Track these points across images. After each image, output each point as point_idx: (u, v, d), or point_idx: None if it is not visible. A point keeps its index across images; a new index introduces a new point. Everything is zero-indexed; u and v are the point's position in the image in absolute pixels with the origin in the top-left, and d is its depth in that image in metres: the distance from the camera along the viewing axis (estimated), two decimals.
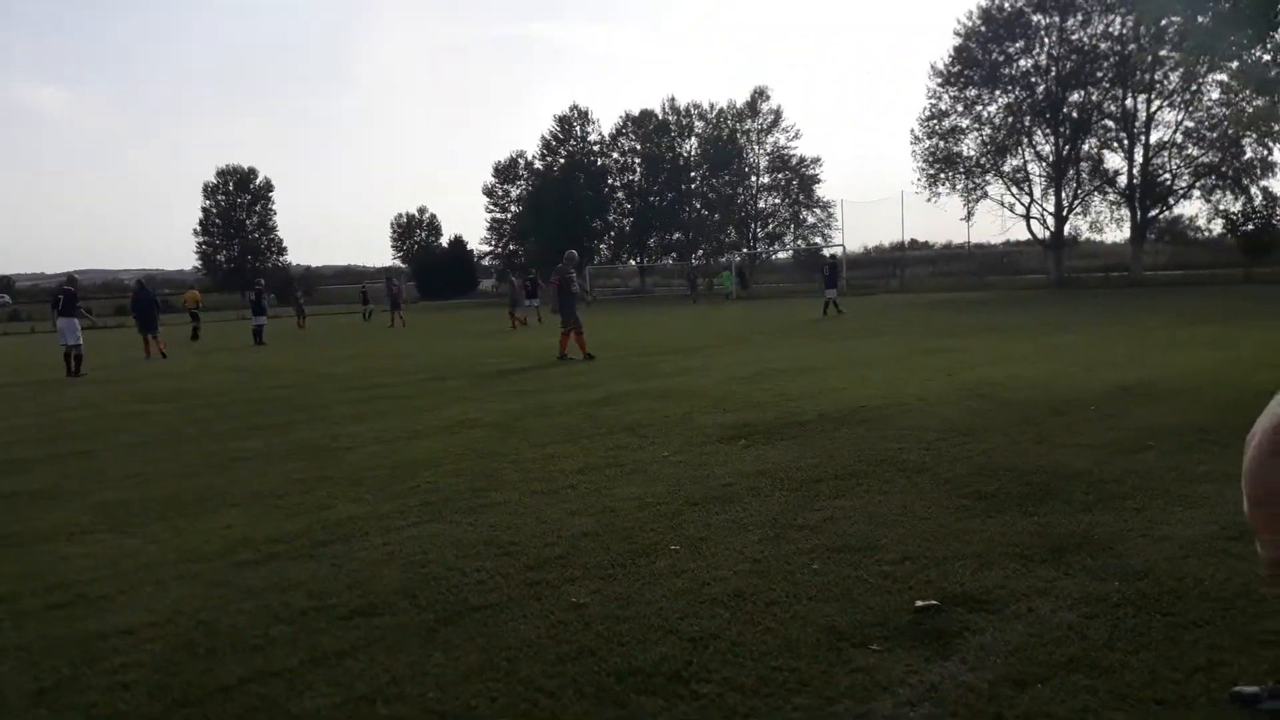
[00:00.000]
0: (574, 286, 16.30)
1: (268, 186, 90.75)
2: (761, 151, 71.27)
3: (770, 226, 72.39)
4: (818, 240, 68.80)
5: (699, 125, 72.87)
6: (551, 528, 5.15)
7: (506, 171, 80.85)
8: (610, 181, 75.15)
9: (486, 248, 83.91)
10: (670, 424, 8.48)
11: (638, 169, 74.74)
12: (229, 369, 17.99)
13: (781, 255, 73.67)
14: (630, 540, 4.83)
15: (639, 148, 74.23)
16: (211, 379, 15.85)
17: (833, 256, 34.44)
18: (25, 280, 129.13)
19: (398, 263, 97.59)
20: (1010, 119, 48.02)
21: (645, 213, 73.44)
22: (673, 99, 73.11)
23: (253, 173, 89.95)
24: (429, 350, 20.98)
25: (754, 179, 71.75)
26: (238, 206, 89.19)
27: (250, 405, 11.61)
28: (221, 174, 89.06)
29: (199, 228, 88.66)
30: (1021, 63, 47.56)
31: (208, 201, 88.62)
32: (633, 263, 79.31)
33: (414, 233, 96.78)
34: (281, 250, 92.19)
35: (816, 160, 69.48)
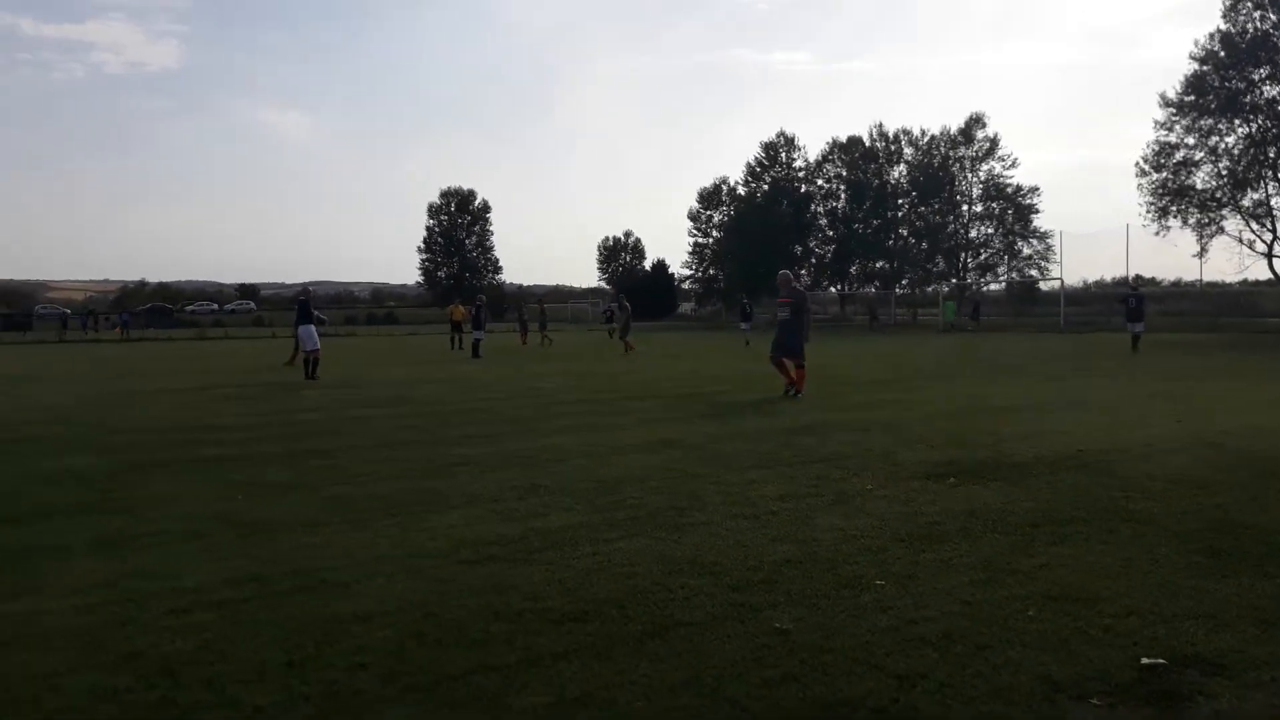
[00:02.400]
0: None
1: (486, 207, 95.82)
2: (975, 179, 68.80)
3: (982, 257, 69.60)
4: (1033, 273, 65.60)
5: (908, 152, 71.22)
6: (753, 552, 5.19)
7: (710, 197, 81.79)
8: (814, 207, 74.55)
9: (687, 271, 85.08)
10: (873, 457, 8.33)
11: (842, 195, 73.82)
12: (445, 380, 19.06)
13: (994, 287, 70.65)
14: (834, 571, 4.79)
15: (845, 174, 73.33)
16: (430, 390, 16.85)
17: (1135, 287, 30.48)
18: (269, 289, 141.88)
19: (603, 284, 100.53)
20: (1252, 150, 44.16)
21: (849, 240, 72.33)
22: (880, 125, 71.95)
23: (472, 194, 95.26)
24: (631, 371, 21.48)
25: (966, 207, 69.29)
26: (458, 226, 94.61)
27: (465, 415, 12.27)
28: (444, 195, 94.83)
29: (423, 245, 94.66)
30: (1267, 90, 43.67)
31: (431, 220, 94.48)
32: (833, 290, 78.22)
33: (619, 255, 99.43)
34: (497, 269, 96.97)
35: (1034, 190, 66.37)
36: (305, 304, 19.47)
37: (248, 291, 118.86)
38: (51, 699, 3.37)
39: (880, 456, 8.33)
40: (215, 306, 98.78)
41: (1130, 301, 26.69)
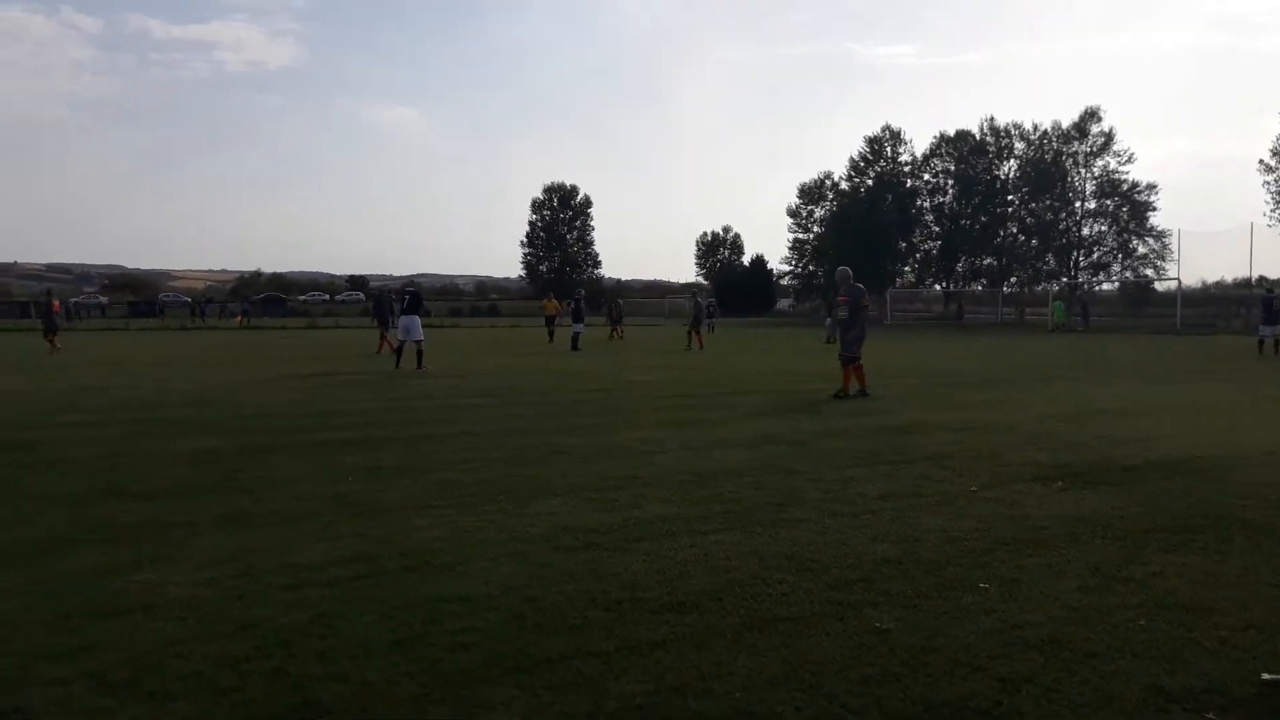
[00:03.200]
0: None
1: (587, 203, 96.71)
2: (1088, 175, 66.34)
3: (1095, 255, 67.09)
4: (1148, 273, 62.99)
5: (1019, 146, 69.08)
6: (853, 550, 5.15)
7: (811, 192, 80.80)
8: (919, 203, 72.96)
9: (786, 267, 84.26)
10: (977, 458, 8.14)
11: (950, 190, 72.04)
12: (548, 371, 19.33)
13: (1106, 287, 68.06)
14: (936, 573, 4.72)
15: (952, 169, 71.54)
16: (532, 380, 17.13)
17: (1271, 289, 28.63)
18: (377, 280, 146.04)
19: (700, 279, 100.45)
20: None
21: (955, 236, 70.58)
22: (991, 119, 69.84)
23: (574, 189, 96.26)
24: (729, 365, 21.43)
25: (1078, 204, 66.89)
26: (560, 221, 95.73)
27: (566, 406, 12.45)
28: (547, 190, 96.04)
29: (525, 239, 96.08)
30: None
31: (534, 215, 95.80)
32: (938, 288, 76.49)
33: (717, 250, 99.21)
34: (597, 263, 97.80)
35: (1151, 186, 63.63)
36: (416, 295, 19.84)
37: (357, 282, 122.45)
38: (176, 664, 3.58)
39: (985, 458, 8.14)
40: (326, 297, 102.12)
41: (1274, 303, 24.92)
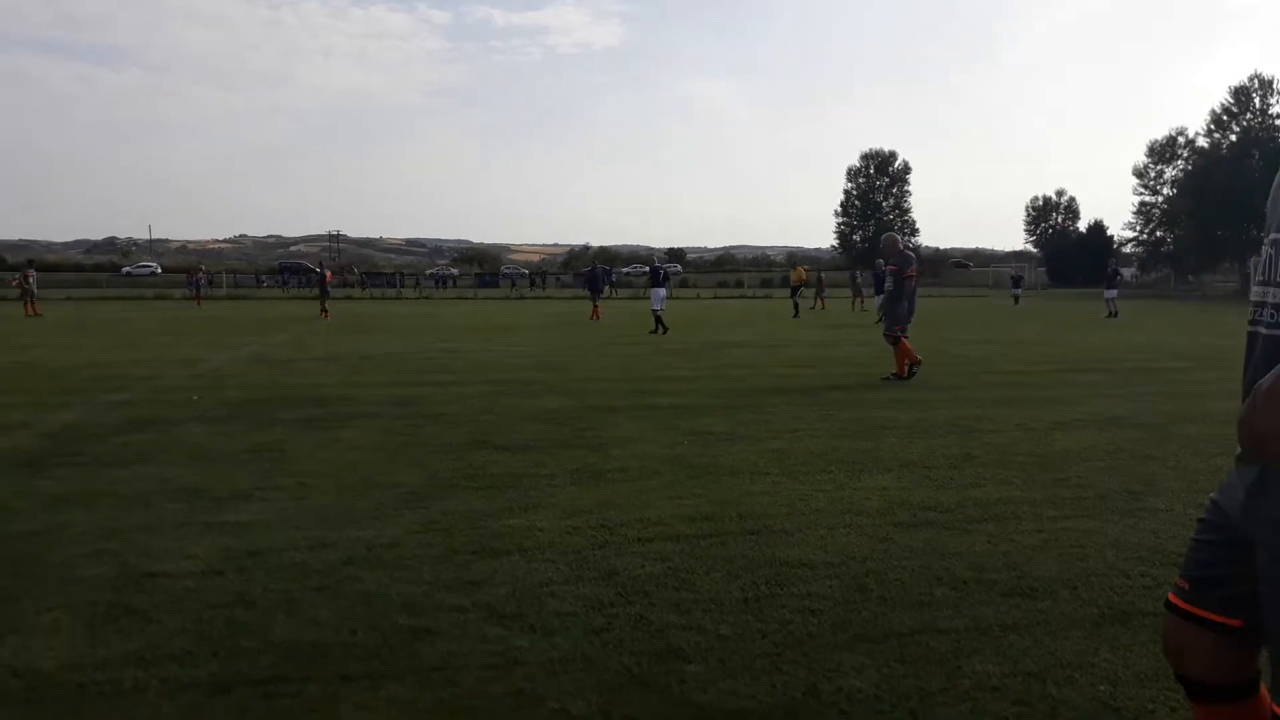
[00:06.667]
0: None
1: (905, 169, 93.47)
2: None
3: None
4: None
5: None
6: None
7: (1162, 151, 73.00)
8: None
9: (1130, 233, 76.76)
10: None
11: None
12: (862, 343, 19.05)
13: None
14: None
15: None
16: (848, 352, 16.97)
17: None
18: (694, 253, 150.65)
19: (1029, 247, 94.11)
20: None
21: None
22: None
23: (892, 155, 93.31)
24: (1062, 340, 20.01)
25: None
26: (876, 189, 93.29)
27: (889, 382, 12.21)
28: (864, 157, 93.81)
29: (839, 209, 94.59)
30: None
31: (849, 184, 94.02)
32: None
33: (1049, 216, 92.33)
34: (914, 231, 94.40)
35: None
36: (656, 270, 23.77)
37: (675, 255, 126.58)
38: (552, 603, 3.98)
39: None
40: (646, 269, 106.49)
41: None
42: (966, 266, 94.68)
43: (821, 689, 3.16)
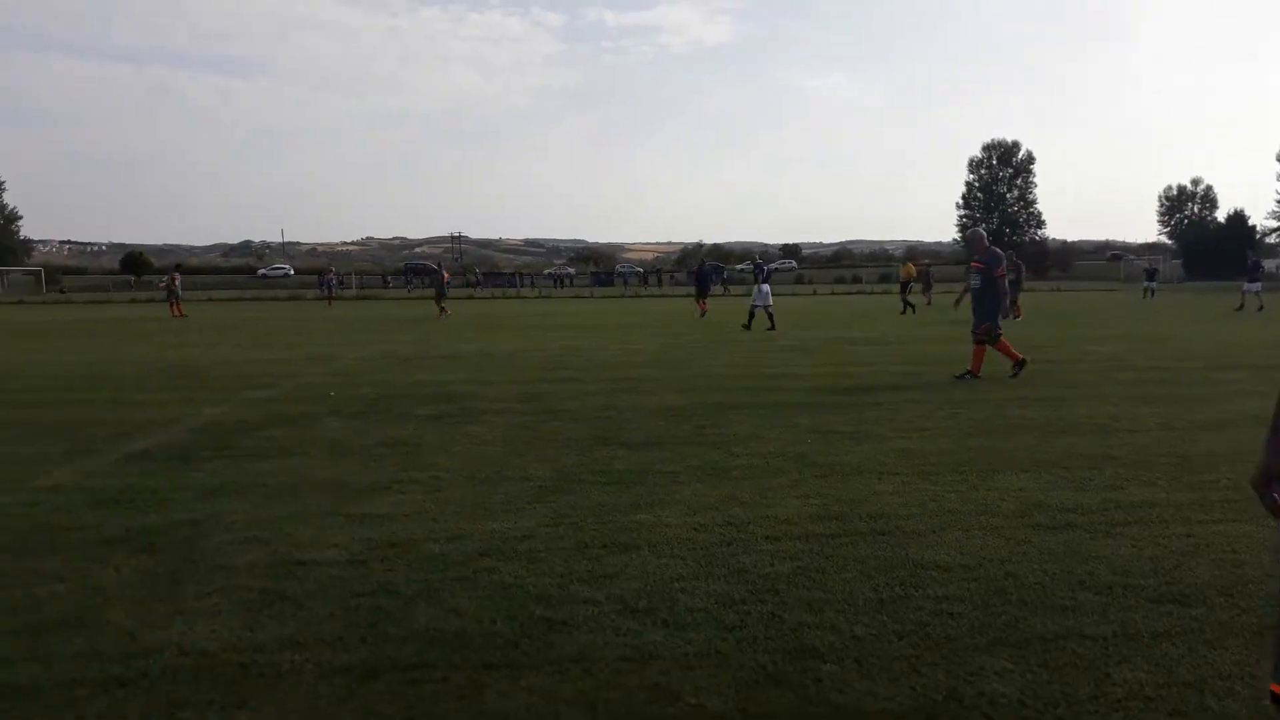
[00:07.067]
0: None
1: (1029, 159, 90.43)
2: None
3: None
4: None
5: None
6: None
7: None
8: None
9: (1274, 223, 72.29)
10: None
11: None
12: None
13: None
14: None
15: None
16: (967, 349, 16.46)
17: None
18: (809, 248, 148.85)
19: (1162, 238, 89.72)
20: None
21: None
22: None
23: (1015, 145, 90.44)
24: (1200, 335, 19.01)
25: None
26: (999, 180, 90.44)
27: (1018, 377, 11.81)
28: (986, 148, 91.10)
29: (960, 201, 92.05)
30: None
31: (971, 176, 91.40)
32: None
33: (1184, 206, 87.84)
34: (1040, 223, 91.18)
35: None
36: (759, 266, 23.32)
37: (790, 251, 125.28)
38: (684, 599, 4.01)
39: None
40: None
41: None
42: (1120, 257, 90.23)
43: (963, 693, 3.10)
